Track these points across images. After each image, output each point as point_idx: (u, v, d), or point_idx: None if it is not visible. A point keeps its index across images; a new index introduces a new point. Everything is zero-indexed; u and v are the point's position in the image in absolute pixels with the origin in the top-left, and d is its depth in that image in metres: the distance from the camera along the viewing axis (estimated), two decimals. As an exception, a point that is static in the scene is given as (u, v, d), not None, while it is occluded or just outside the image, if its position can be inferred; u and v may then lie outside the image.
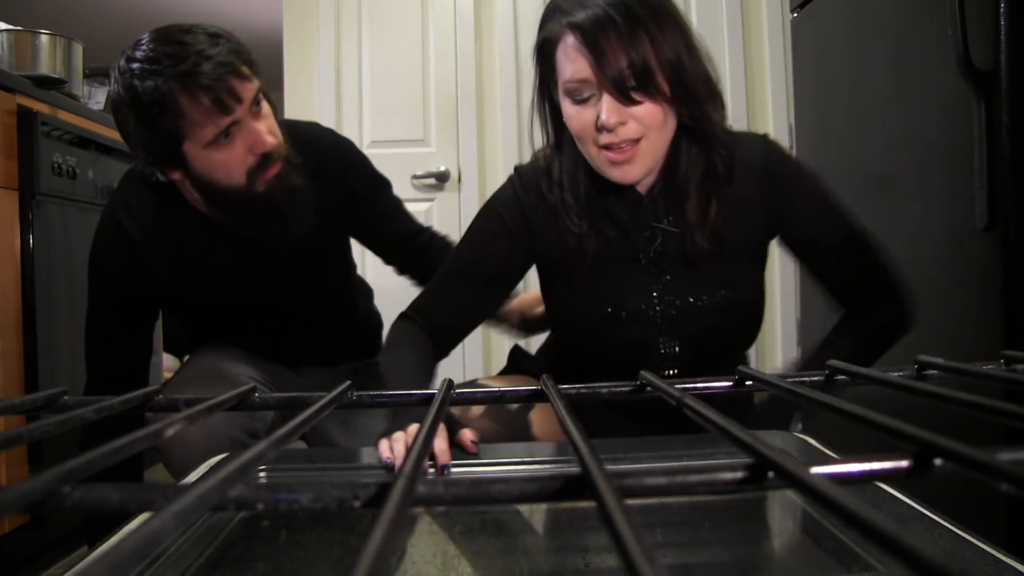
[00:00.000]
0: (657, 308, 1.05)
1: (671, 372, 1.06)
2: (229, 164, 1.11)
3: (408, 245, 1.46)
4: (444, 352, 1.12)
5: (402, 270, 1.52)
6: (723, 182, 1.02)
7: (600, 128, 0.95)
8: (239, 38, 1.15)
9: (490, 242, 1.10)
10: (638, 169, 0.98)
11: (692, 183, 1.02)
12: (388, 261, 1.51)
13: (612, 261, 1.06)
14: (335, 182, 1.30)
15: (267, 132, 1.12)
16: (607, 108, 0.94)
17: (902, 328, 1.06)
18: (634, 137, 0.95)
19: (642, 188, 1.05)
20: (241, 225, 1.19)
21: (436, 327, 1.10)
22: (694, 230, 1.02)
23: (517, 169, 1.12)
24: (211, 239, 1.23)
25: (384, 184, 1.42)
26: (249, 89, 1.10)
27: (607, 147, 0.96)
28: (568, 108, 0.98)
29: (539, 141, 1.10)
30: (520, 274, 1.13)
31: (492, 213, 1.11)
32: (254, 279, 1.27)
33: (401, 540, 0.66)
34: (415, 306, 1.13)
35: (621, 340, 1.06)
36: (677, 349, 1.06)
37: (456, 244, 1.17)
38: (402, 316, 1.13)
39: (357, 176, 1.36)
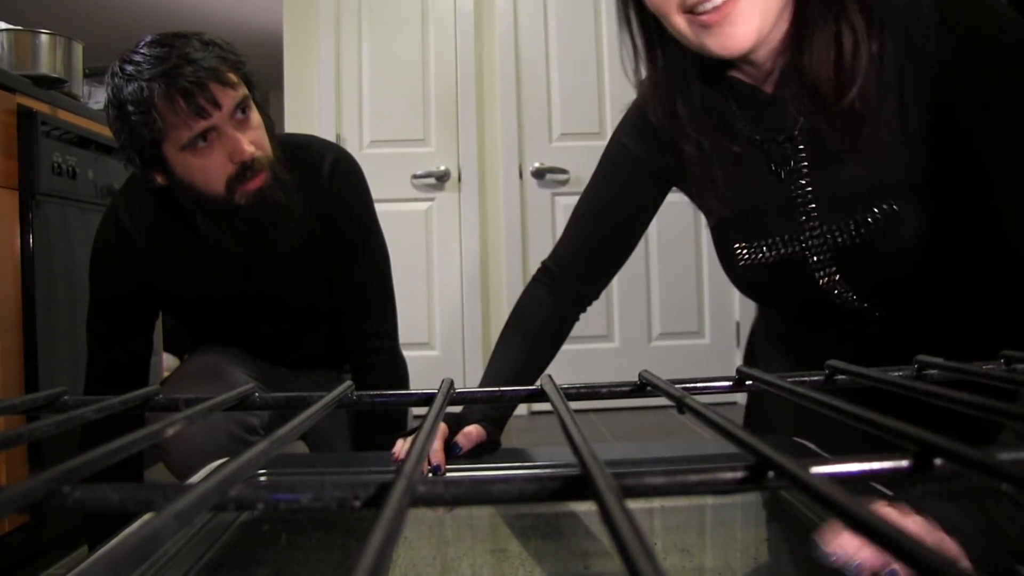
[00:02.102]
0: (804, 238, 0.84)
1: (864, 306, 0.85)
2: (207, 171, 1.10)
3: (351, 333, 1.33)
4: (586, 300, 1.05)
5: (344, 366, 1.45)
6: (862, 42, 0.74)
7: None
8: (236, 49, 1.14)
9: (614, 173, 0.99)
10: (745, 30, 0.73)
11: (819, 52, 0.75)
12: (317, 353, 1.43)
13: (745, 184, 0.86)
14: (326, 206, 1.26)
15: (248, 142, 1.10)
16: None
17: None
18: None
19: (769, 85, 0.82)
20: (221, 236, 1.17)
21: (572, 274, 1.03)
22: (832, 119, 0.76)
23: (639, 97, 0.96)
24: (204, 245, 1.23)
25: (372, 232, 1.32)
26: (231, 96, 1.08)
27: (692, 9, 0.74)
28: None
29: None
30: (653, 202, 1.00)
31: (615, 142, 1.00)
32: (246, 287, 1.27)
33: (400, 542, 0.66)
34: (553, 253, 1.05)
35: (777, 283, 0.88)
36: (845, 284, 0.83)
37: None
38: (540, 269, 1.05)
39: (351, 207, 1.29)
